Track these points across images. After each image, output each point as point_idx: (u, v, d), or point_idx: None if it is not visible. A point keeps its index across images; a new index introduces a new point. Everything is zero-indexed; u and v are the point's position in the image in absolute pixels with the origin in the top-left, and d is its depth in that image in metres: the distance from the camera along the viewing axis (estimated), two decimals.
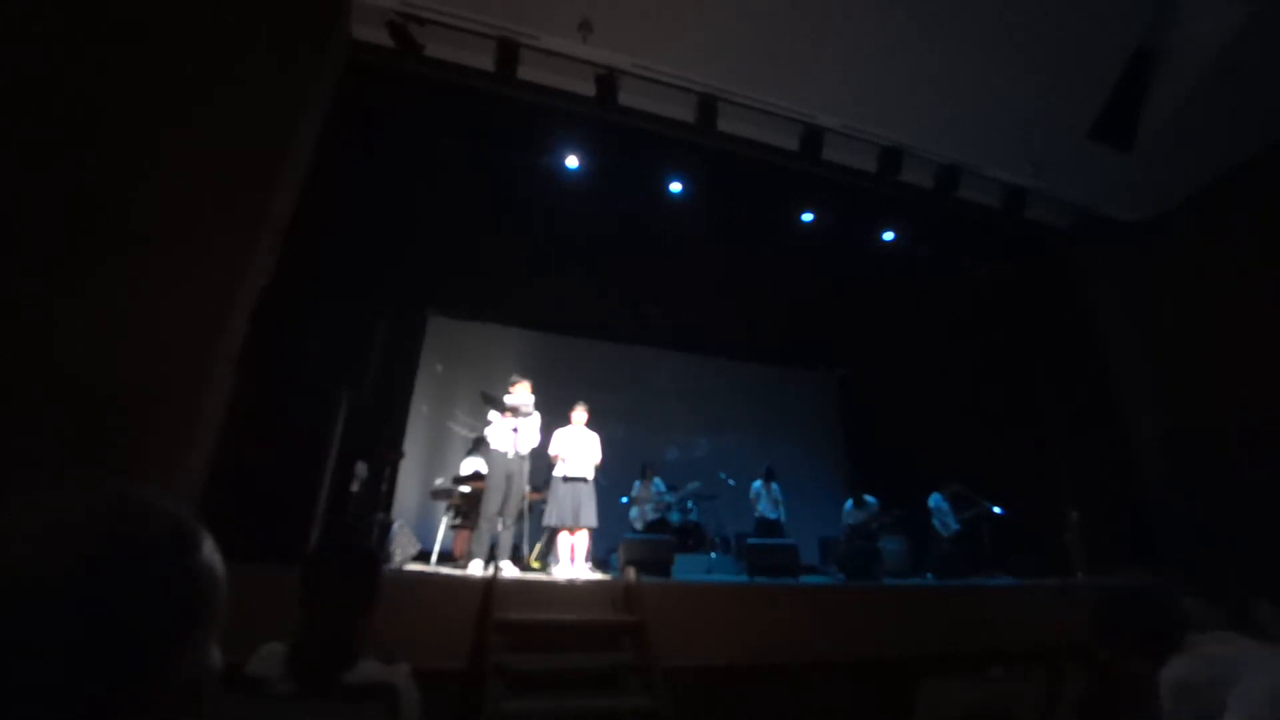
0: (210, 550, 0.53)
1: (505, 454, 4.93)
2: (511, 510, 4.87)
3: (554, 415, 5.59)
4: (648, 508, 7.00)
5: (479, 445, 6.19)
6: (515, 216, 7.39)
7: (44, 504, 0.48)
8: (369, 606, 1.37)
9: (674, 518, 7.19)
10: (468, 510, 5.63)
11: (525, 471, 5.00)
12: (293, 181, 4.23)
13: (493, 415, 5.09)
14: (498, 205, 7.23)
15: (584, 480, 5.12)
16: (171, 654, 0.48)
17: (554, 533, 5.28)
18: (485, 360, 8.25)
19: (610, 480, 5.45)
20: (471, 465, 6.27)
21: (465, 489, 5.81)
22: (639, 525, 6.87)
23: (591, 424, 5.42)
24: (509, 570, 4.53)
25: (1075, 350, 7.19)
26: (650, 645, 3.67)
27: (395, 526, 5.13)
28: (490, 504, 4.81)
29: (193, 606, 0.50)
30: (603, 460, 5.35)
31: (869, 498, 7.40)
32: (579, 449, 5.22)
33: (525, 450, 5.00)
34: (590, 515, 5.02)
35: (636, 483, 7.20)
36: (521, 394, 5.09)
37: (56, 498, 0.49)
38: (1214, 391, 5.84)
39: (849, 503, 7.47)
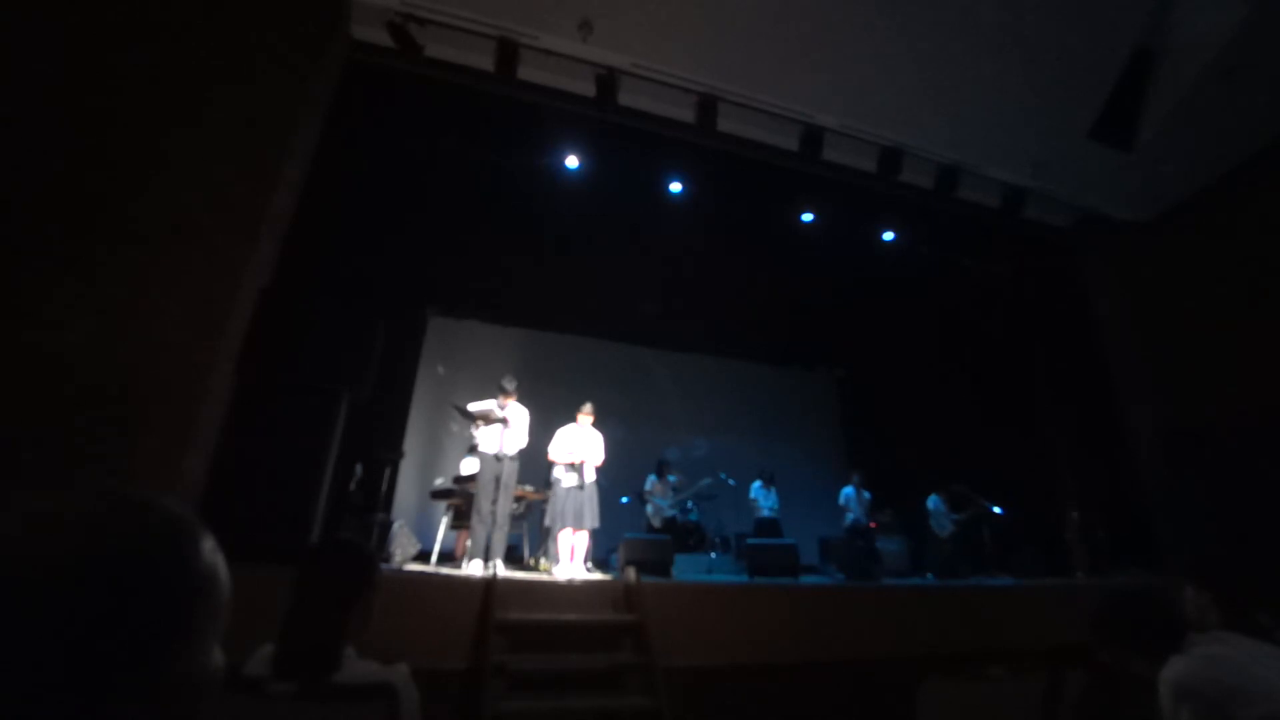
0: (211, 549, 0.53)
1: (492, 455, 4.95)
2: (503, 510, 4.87)
3: (553, 416, 5.58)
4: (663, 503, 6.99)
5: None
6: (515, 217, 7.39)
7: (44, 504, 0.48)
8: (357, 604, 1.33)
9: (680, 517, 7.20)
10: (467, 510, 5.63)
11: (514, 471, 5.01)
12: (293, 181, 4.23)
13: (460, 424, 5.12)
14: (498, 205, 7.23)
15: (587, 481, 5.12)
16: (172, 654, 0.48)
17: (555, 532, 5.28)
18: (485, 360, 8.24)
19: (610, 480, 5.44)
20: (470, 466, 6.27)
21: (463, 489, 5.81)
22: (656, 522, 6.85)
23: (594, 424, 5.41)
24: (504, 570, 4.52)
25: (1075, 350, 7.19)
26: (650, 645, 3.67)
27: (395, 526, 5.13)
28: (481, 505, 4.82)
29: (193, 606, 0.50)
30: (603, 460, 5.34)
31: (866, 493, 7.40)
32: (583, 448, 5.22)
33: (512, 451, 5.01)
34: (593, 516, 5.02)
35: (651, 477, 7.19)
36: (487, 402, 5.12)
37: (57, 497, 0.49)
38: (1214, 391, 5.84)
39: (849, 489, 7.45)
